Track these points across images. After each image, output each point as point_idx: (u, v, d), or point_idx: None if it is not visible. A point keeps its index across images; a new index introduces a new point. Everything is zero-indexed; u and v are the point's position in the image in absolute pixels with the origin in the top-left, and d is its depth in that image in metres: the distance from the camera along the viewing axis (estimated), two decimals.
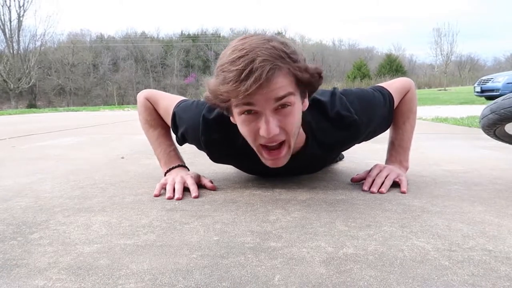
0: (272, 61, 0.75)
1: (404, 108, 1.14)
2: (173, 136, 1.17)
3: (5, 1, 27.50)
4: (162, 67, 40.53)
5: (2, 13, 27.40)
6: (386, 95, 1.06)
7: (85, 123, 4.96)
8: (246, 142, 0.93)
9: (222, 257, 0.61)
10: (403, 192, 0.99)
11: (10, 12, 28.35)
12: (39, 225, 0.78)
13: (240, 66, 0.73)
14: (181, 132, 1.07)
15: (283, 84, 0.78)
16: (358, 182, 1.11)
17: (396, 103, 1.11)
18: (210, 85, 0.81)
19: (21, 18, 27.86)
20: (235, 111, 0.82)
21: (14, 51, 27.68)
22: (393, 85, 1.12)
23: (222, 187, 1.10)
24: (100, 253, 0.63)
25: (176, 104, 1.08)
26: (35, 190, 1.11)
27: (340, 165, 1.44)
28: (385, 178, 1.04)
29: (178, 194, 0.98)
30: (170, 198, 0.97)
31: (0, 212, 0.88)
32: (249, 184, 1.13)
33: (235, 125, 0.90)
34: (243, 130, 0.86)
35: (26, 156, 1.86)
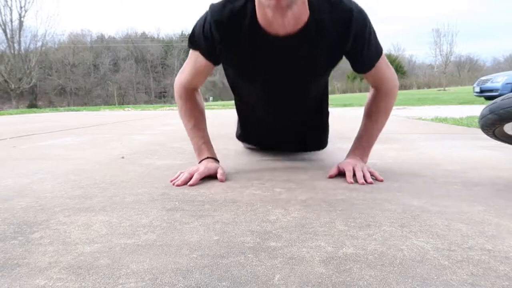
0: None
1: (382, 105, 1.20)
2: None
3: (6, 2, 27.54)
4: (162, 67, 40.48)
5: (3, 14, 27.51)
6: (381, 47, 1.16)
7: (86, 123, 4.96)
8: (253, 21, 1.02)
9: (222, 257, 0.61)
10: (381, 181, 1.10)
11: (11, 12, 28.44)
12: (39, 225, 0.79)
13: None
14: (195, 38, 1.13)
15: None
16: (334, 177, 1.17)
17: (380, 71, 1.17)
18: None
19: (22, 19, 27.89)
20: None
21: (15, 52, 27.70)
22: (389, 64, 1.21)
23: (222, 187, 1.10)
24: (100, 253, 0.64)
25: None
26: (35, 190, 1.11)
27: None
28: (361, 171, 1.12)
29: (193, 181, 1.11)
30: (179, 185, 1.10)
31: (1, 212, 0.89)
32: (249, 184, 1.13)
33: (241, 9, 1.02)
34: None
35: (26, 156, 1.86)
